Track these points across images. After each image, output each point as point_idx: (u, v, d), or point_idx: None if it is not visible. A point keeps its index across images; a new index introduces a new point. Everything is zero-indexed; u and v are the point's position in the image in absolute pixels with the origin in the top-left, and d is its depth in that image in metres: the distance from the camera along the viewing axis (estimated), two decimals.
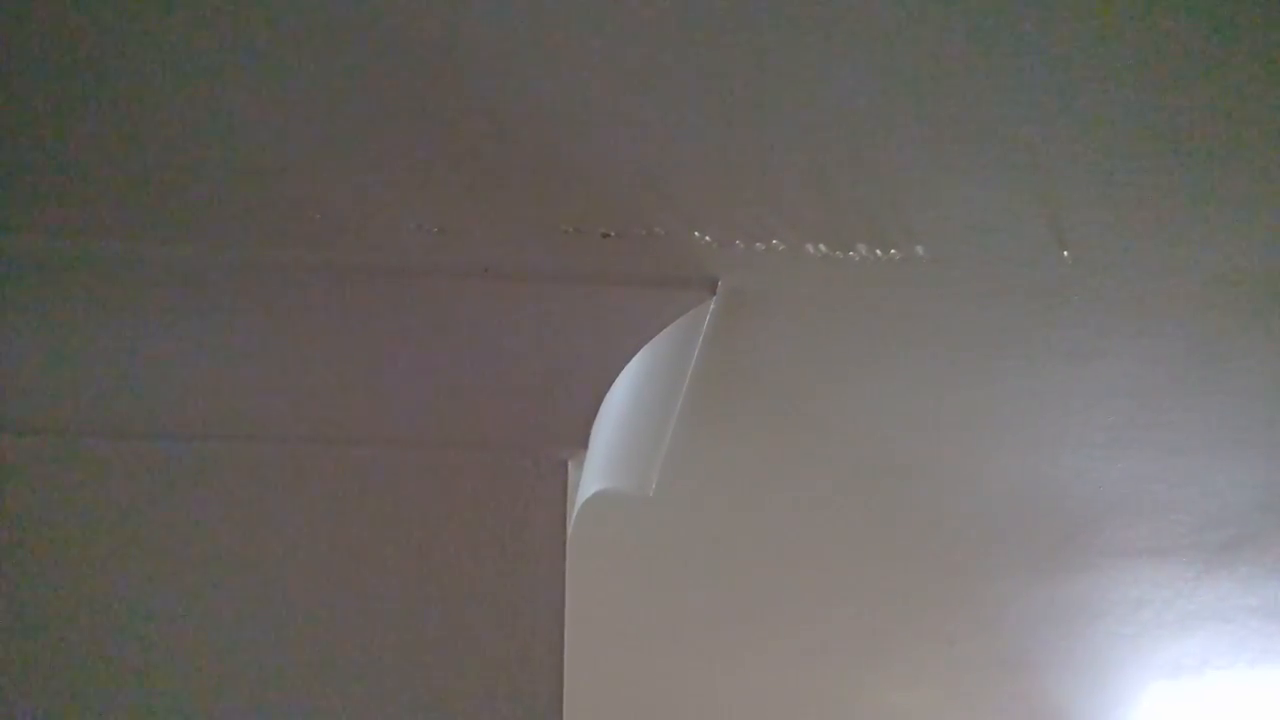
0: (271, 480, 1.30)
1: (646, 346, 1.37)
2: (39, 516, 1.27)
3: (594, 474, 1.50)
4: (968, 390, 1.57)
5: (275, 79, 1.12)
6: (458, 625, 1.27)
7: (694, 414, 1.59)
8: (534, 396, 1.35)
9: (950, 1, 1.07)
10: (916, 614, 2.18)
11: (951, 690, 2.50)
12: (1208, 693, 2.48)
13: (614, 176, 1.24)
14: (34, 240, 1.28)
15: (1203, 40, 1.10)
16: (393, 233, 1.29)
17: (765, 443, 1.68)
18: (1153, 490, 1.80)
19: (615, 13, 1.07)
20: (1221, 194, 1.27)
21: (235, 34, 1.08)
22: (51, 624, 1.24)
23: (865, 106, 1.16)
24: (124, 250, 1.29)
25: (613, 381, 1.37)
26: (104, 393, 1.31)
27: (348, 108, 1.15)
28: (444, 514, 1.31)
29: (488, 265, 1.34)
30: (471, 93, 1.14)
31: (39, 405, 1.31)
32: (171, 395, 1.32)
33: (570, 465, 1.35)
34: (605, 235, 1.31)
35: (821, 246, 1.33)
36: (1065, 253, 1.34)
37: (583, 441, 1.35)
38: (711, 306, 1.38)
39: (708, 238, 1.31)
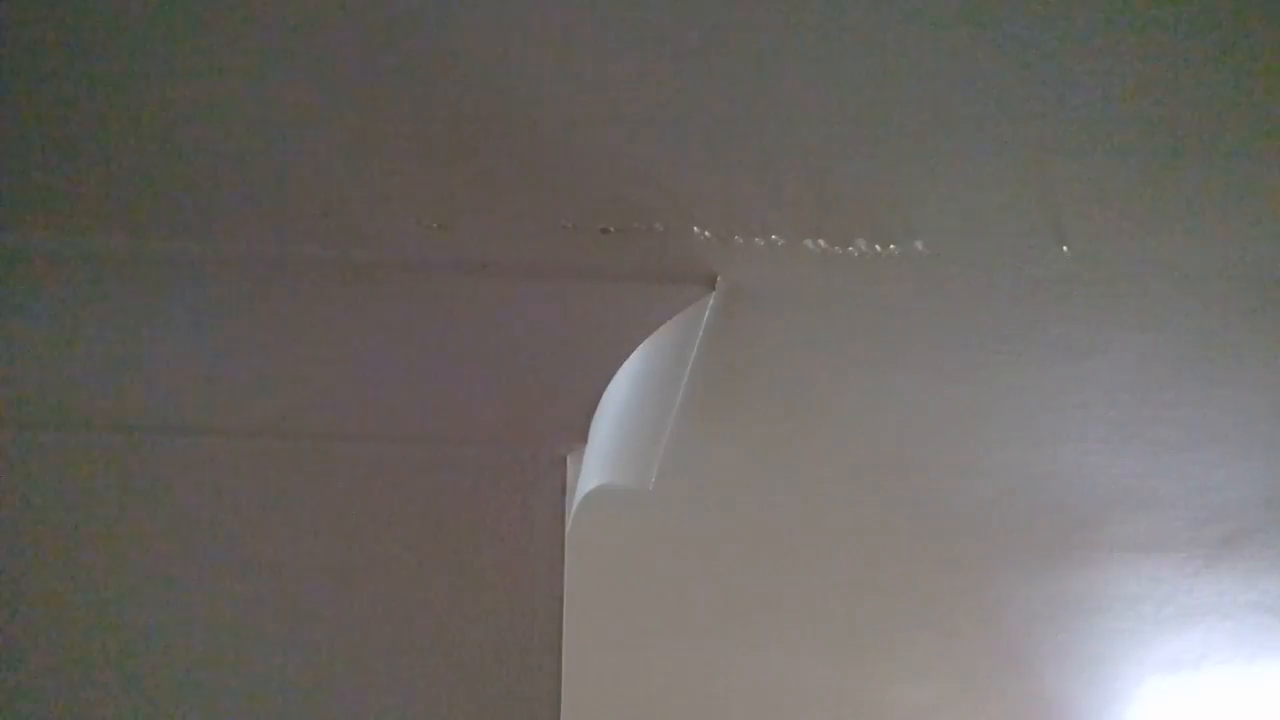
0: (269, 475, 1.31)
1: (646, 342, 1.38)
2: (41, 510, 1.27)
3: (593, 469, 1.50)
4: (967, 385, 1.57)
5: (276, 75, 1.12)
6: (456, 619, 1.27)
7: (693, 409, 1.59)
8: (533, 391, 1.35)
9: None
10: (916, 608, 2.18)
11: (951, 685, 2.50)
12: (1206, 688, 2.48)
13: (613, 172, 1.24)
14: (36, 235, 1.28)
15: (1203, 36, 1.10)
16: (393, 228, 1.29)
17: (765, 437, 1.68)
18: (1152, 486, 1.80)
19: (615, 9, 1.07)
20: (1221, 190, 1.27)
21: (236, 30, 1.08)
22: (50, 618, 1.24)
23: (864, 102, 1.16)
24: (124, 245, 1.30)
25: (612, 377, 1.37)
26: (103, 387, 1.31)
27: (348, 104, 1.15)
28: (443, 508, 1.31)
29: (488, 261, 1.34)
30: (472, 89, 1.14)
31: (41, 400, 1.31)
32: (171, 390, 1.32)
33: (570, 460, 1.35)
34: (605, 231, 1.31)
35: (821, 242, 1.33)
36: (1065, 248, 1.34)
37: (582, 436, 1.35)
38: (711, 302, 1.38)
39: (707, 233, 1.31)
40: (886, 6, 1.07)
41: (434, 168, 1.23)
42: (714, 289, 1.37)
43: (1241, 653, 2.34)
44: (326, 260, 1.32)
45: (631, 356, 1.37)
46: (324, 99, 1.15)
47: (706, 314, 1.40)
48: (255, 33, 1.08)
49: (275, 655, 1.25)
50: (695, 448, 1.68)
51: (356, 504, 1.30)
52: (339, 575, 1.28)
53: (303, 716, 1.23)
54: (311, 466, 1.31)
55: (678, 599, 2.14)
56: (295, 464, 1.31)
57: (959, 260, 1.36)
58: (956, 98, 1.16)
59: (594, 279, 1.36)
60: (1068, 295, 1.41)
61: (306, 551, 1.28)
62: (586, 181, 1.25)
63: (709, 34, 1.09)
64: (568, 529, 1.34)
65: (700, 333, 1.42)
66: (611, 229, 1.30)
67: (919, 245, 1.33)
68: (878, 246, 1.33)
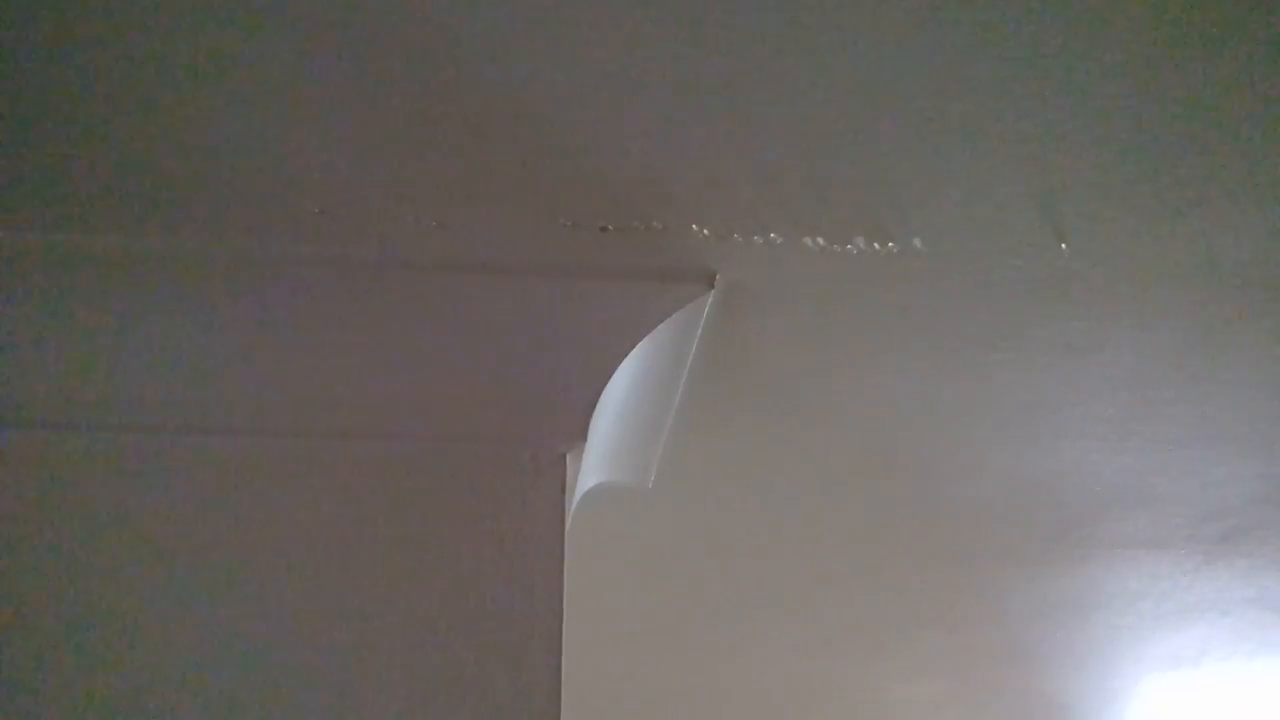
0: (268, 474, 1.31)
1: (645, 340, 1.38)
2: (40, 510, 1.27)
3: (593, 467, 1.50)
4: (966, 382, 1.57)
5: (274, 74, 1.12)
6: (456, 617, 1.27)
7: (693, 407, 1.59)
8: (532, 390, 1.35)
9: None
10: (915, 606, 2.19)
11: (950, 682, 2.51)
12: (1206, 684, 2.49)
13: (612, 171, 1.24)
14: (34, 234, 1.28)
15: (1201, 31, 1.10)
16: (391, 227, 1.29)
17: (764, 435, 1.68)
18: (1151, 482, 1.80)
19: (614, 8, 1.07)
20: (1220, 186, 1.27)
21: (234, 29, 1.08)
22: (49, 618, 1.24)
23: (863, 99, 1.16)
24: (123, 244, 1.29)
25: (611, 375, 1.37)
26: (102, 387, 1.31)
27: (347, 103, 1.15)
28: (442, 507, 1.31)
29: (486, 259, 1.34)
30: (470, 87, 1.14)
31: (42, 400, 1.31)
32: (170, 389, 1.32)
33: (569, 458, 1.35)
34: (604, 229, 1.31)
35: (819, 240, 1.33)
36: (1063, 245, 1.34)
37: (581, 434, 1.35)
38: (710, 300, 1.38)
39: (706, 231, 1.31)
40: (885, 4, 1.07)
41: (433, 166, 1.23)
42: (713, 287, 1.37)
43: (1241, 649, 2.35)
44: (325, 259, 1.32)
45: (631, 355, 1.37)
46: (323, 97, 1.15)
47: (705, 312, 1.40)
48: (254, 32, 1.08)
49: (275, 654, 1.25)
50: (695, 445, 1.68)
51: (354, 503, 1.30)
52: (338, 574, 1.28)
53: (302, 716, 1.23)
54: (310, 465, 1.31)
55: (677, 597, 2.14)
56: (293, 463, 1.31)
57: (957, 258, 1.36)
58: (955, 95, 1.16)
59: (593, 277, 1.36)
60: (1067, 293, 1.41)
61: (305, 551, 1.28)
62: (585, 180, 1.25)
63: (708, 33, 1.09)
64: (567, 527, 1.34)
65: (699, 331, 1.43)
66: (610, 227, 1.30)
67: (918, 243, 1.33)
68: (876, 244, 1.34)
